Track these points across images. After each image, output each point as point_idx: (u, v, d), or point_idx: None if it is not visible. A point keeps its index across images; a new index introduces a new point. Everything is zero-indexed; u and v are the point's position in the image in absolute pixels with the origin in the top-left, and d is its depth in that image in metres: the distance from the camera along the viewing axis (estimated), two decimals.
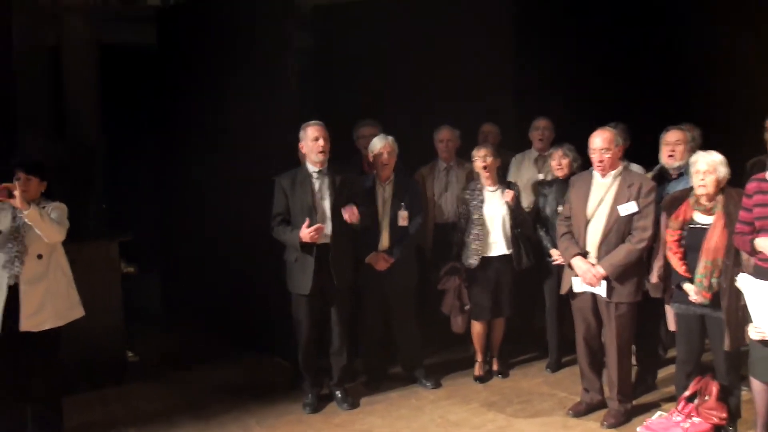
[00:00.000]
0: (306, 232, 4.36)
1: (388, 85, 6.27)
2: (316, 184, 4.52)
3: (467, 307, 4.90)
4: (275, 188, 4.57)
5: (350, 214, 4.46)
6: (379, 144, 4.81)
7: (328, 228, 4.48)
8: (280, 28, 5.33)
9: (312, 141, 4.47)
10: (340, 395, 4.74)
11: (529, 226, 5.02)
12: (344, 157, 5.06)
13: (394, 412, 4.63)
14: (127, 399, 4.93)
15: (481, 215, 4.88)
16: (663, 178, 4.59)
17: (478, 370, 5.13)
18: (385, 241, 4.83)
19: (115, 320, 5.18)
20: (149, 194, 7.23)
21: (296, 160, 4.82)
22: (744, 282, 3.21)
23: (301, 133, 4.52)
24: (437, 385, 4.98)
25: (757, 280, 3.16)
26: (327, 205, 4.51)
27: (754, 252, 3.69)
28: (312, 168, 4.53)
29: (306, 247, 4.44)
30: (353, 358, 4.97)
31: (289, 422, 4.53)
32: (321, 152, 4.48)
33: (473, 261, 4.87)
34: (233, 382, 5.20)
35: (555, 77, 6.43)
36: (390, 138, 4.84)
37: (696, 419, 4.12)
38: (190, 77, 6.16)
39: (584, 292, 4.34)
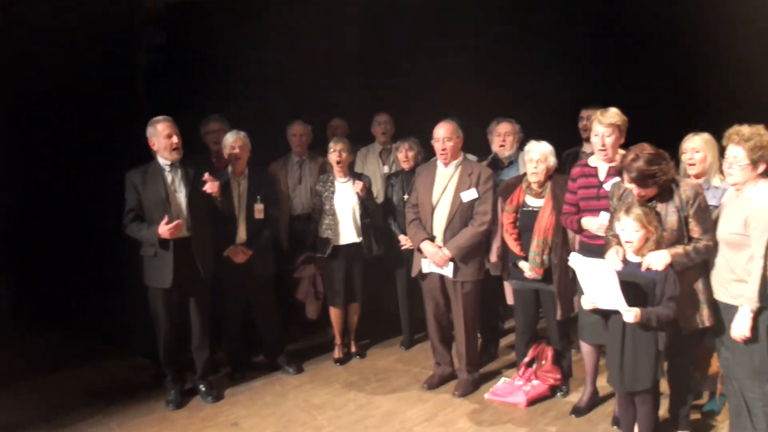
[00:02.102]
0: (165, 229, 4.02)
1: (238, 81, 5.93)
2: (169, 178, 4.18)
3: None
4: (126, 184, 4.18)
5: (211, 185, 4.18)
6: (231, 139, 4.54)
7: (186, 221, 4.16)
8: (128, 24, 4.88)
9: (164, 138, 4.13)
10: (204, 389, 4.44)
11: (379, 216, 4.96)
12: (193, 152, 4.72)
13: (259, 400, 4.41)
14: None
15: (333, 206, 4.76)
16: (496, 166, 4.69)
17: (337, 352, 5.02)
18: (242, 234, 4.58)
19: None
20: None
21: (149, 155, 4.42)
22: (575, 260, 3.31)
23: (150, 129, 4.15)
24: (299, 370, 4.81)
25: (586, 258, 3.26)
26: (182, 198, 4.19)
27: (580, 230, 3.84)
28: (164, 162, 4.18)
29: (164, 242, 4.10)
30: (216, 350, 4.69)
31: (152, 421, 4.17)
32: (175, 149, 4.15)
33: (326, 249, 4.74)
34: (93, 384, 4.71)
35: (399, 73, 6.42)
36: (242, 133, 4.59)
37: (535, 382, 4.27)
38: (42, 73, 5.50)
39: (432, 274, 4.33)
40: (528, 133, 4.50)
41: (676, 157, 3.78)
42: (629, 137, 3.68)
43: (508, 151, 4.70)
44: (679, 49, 5.31)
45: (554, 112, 5.43)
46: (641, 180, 3.23)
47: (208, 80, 5.88)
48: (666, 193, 3.32)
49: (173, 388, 4.38)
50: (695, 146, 3.73)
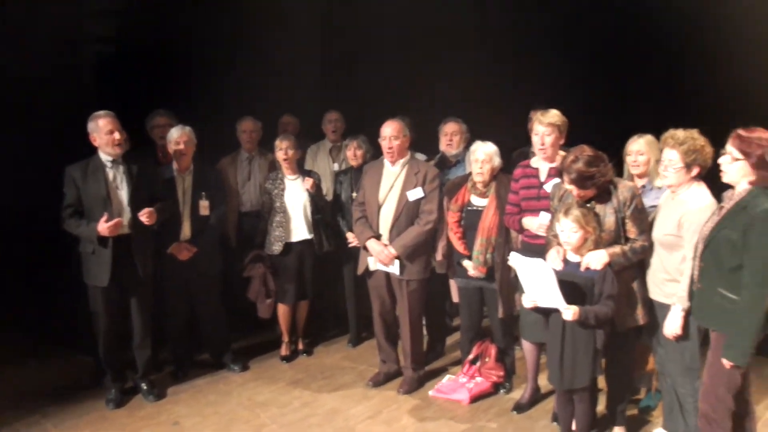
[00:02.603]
0: (104, 227, 3.87)
1: (189, 76, 5.77)
2: (111, 174, 4.03)
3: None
4: (65, 179, 4.01)
5: (148, 216, 4.02)
6: (176, 134, 4.41)
7: (127, 218, 4.02)
8: (75, 15, 4.69)
9: (106, 134, 3.97)
10: (145, 387, 4.31)
11: (328, 212, 4.89)
12: (138, 147, 4.58)
13: (202, 399, 4.30)
14: None
15: (283, 203, 4.67)
16: (443, 165, 4.67)
17: (284, 350, 4.93)
18: (186, 230, 4.45)
19: None
20: None
21: (91, 150, 4.25)
22: (515, 260, 3.29)
23: (91, 125, 3.99)
24: (245, 368, 4.71)
25: (525, 257, 3.25)
26: (124, 195, 4.05)
27: (521, 230, 3.84)
28: (105, 157, 4.02)
29: (103, 240, 3.94)
30: (159, 348, 4.55)
31: (90, 421, 4.02)
32: (117, 145, 4.00)
33: (277, 247, 4.65)
34: (31, 384, 4.52)
35: (352, 70, 6.35)
36: (188, 128, 4.46)
37: (479, 379, 4.26)
38: None
39: (378, 271, 4.29)
40: (481, 132, 4.46)
41: (619, 159, 3.81)
42: (592, 138, 3.64)
43: (455, 150, 4.69)
44: (644, 49, 5.31)
45: (507, 111, 5.43)
46: (580, 181, 3.23)
47: (159, 74, 5.71)
48: (604, 194, 3.33)
49: (113, 387, 4.24)
50: (639, 148, 3.77)
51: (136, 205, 4.04)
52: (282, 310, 4.84)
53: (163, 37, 5.84)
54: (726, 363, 2.81)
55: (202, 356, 4.83)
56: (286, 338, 4.93)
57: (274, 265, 4.72)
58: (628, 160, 3.85)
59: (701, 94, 4.82)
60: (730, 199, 2.88)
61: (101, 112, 4.02)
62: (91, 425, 3.97)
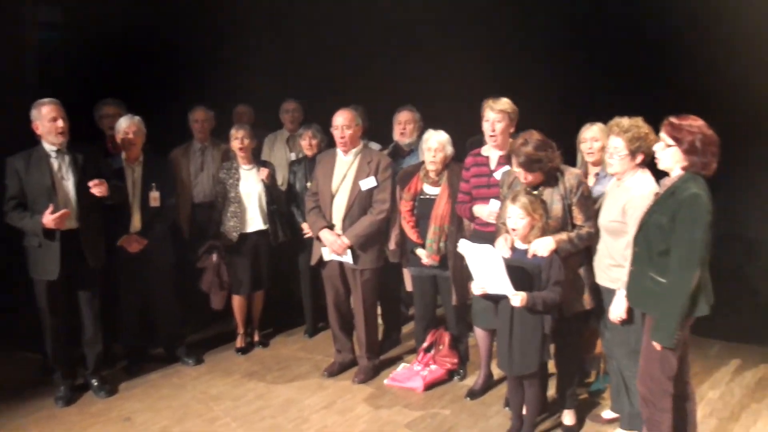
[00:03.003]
0: (50, 219, 3.80)
1: (139, 63, 5.67)
2: (55, 164, 3.96)
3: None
4: (6, 170, 3.92)
5: (99, 187, 3.93)
6: (125, 124, 4.35)
7: (74, 210, 3.96)
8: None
9: (49, 122, 3.89)
10: (96, 383, 4.26)
11: (283, 203, 4.89)
12: (86, 137, 4.49)
13: (155, 393, 4.27)
14: None
15: (238, 193, 4.66)
16: (397, 154, 4.70)
17: (239, 342, 4.93)
18: (136, 222, 4.40)
19: None
20: None
21: (34, 140, 4.16)
22: (464, 247, 3.35)
23: (34, 112, 3.91)
24: (199, 361, 4.69)
25: (474, 244, 3.31)
26: (70, 186, 3.97)
27: (472, 218, 3.90)
28: (50, 147, 3.95)
29: (49, 233, 3.88)
30: (111, 343, 4.51)
31: (39, 419, 3.96)
32: (60, 133, 3.92)
33: (232, 237, 4.64)
34: None
35: (309, 60, 6.32)
36: (137, 118, 4.40)
37: (433, 367, 4.32)
38: None
39: (332, 261, 4.31)
40: (436, 121, 4.49)
41: (568, 147, 3.88)
42: (543, 126, 3.67)
43: (409, 138, 4.73)
44: (598, 37, 5.39)
45: (462, 99, 5.47)
46: (528, 164, 3.31)
47: (107, 61, 5.61)
48: (552, 180, 3.41)
49: (63, 384, 4.18)
50: (593, 135, 3.85)
51: (83, 196, 3.98)
52: (237, 301, 4.83)
53: (110, 24, 5.73)
54: (655, 345, 2.91)
55: (156, 350, 4.79)
56: (241, 330, 4.93)
57: (229, 256, 4.70)
58: (583, 147, 3.93)
59: (654, 82, 4.94)
60: (665, 186, 2.98)
61: (45, 100, 3.94)
62: (39, 424, 3.91)
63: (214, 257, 4.69)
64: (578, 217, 3.39)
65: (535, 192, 3.40)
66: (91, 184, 3.91)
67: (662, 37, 5.05)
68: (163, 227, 4.49)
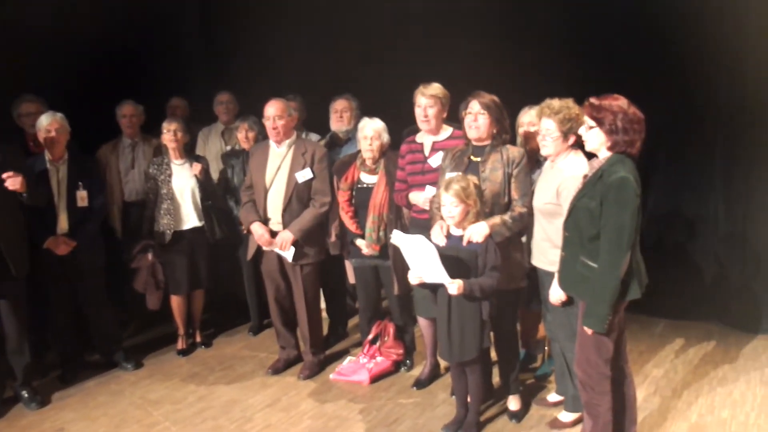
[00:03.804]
0: None
1: (60, 56, 5.47)
2: None
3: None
4: None
5: (13, 180, 3.78)
6: (46, 121, 4.23)
7: None
8: None
9: None
10: (27, 395, 4.14)
11: (220, 198, 4.83)
12: (3, 135, 4.36)
13: (91, 401, 4.19)
14: None
15: (170, 189, 4.59)
16: (334, 143, 4.69)
17: (180, 343, 4.87)
18: (63, 223, 4.29)
19: None
20: None
21: None
22: (396, 238, 3.37)
23: None
24: (138, 365, 4.62)
25: (407, 234, 3.34)
26: None
27: (409, 205, 3.92)
28: None
29: None
30: (44, 351, 4.40)
31: None
32: None
33: (166, 236, 4.58)
34: None
35: (243, 50, 6.23)
36: (59, 115, 4.28)
37: (379, 359, 4.34)
38: None
39: (271, 256, 4.29)
40: (372, 109, 4.48)
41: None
42: None
43: (345, 127, 4.72)
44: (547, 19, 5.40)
45: (399, 87, 5.47)
46: (488, 106, 3.48)
47: (24, 53, 5.40)
48: (498, 146, 3.53)
49: None
50: (531, 119, 3.90)
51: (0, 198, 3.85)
52: (175, 302, 4.78)
53: (28, 14, 5.53)
54: (587, 330, 2.96)
55: (92, 357, 4.70)
56: (181, 331, 4.87)
57: (164, 255, 4.64)
58: (521, 132, 3.98)
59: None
60: (593, 168, 3.03)
61: None
62: None
63: (149, 256, 4.63)
64: (515, 191, 3.48)
65: (478, 159, 3.50)
66: (4, 176, 3.78)
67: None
68: (92, 227, 4.39)
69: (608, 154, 2.93)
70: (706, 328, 4.91)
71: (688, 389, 4.03)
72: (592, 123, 2.93)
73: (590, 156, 3.15)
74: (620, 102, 2.93)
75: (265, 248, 4.29)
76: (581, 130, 3.02)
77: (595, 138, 2.94)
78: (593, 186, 2.93)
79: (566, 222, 3.07)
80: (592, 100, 2.95)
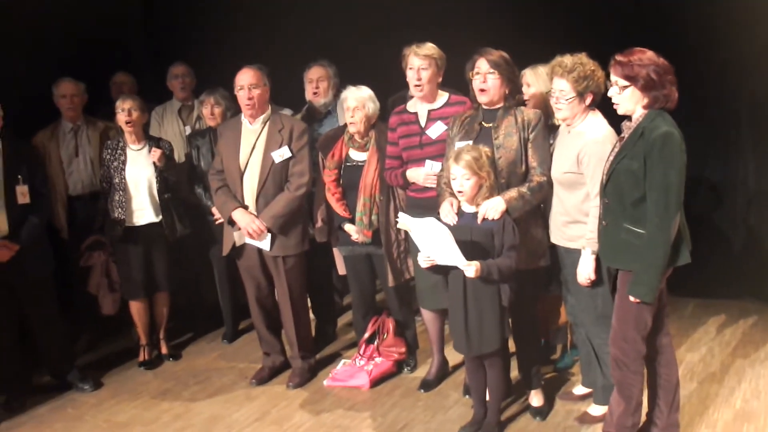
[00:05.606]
0: None
1: None
2: None
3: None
4: None
5: None
6: None
7: None
8: None
9: None
10: None
11: (184, 188, 4.79)
12: None
13: (45, 430, 4.11)
14: None
15: (123, 178, 4.53)
16: (312, 117, 4.68)
17: (143, 355, 4.82)
18: (2, 225, 4.18)
19: None
20: None
21: None
22: (404, 221, 3.39)
23: None
24: (98, 385, 4.55)
25: (415, 218, 3.35)
26: None
27: (406, 184, 3.92)
28: None
29: None
30: None
31: None
32: None
33: (117, 231, 4.53)
34: None
35: (197, 16, 6.17)
36: None
37: (378, 359, 4.37)
38: None
39: (249, 250, 4.27)
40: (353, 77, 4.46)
41: None
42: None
43: (323, 98, 4.71)
44: None
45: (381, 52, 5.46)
46: (498, 64, 3.49)
47: None
48: (511, 108, 3.56)
49: None
50: (526, 80, 3.94)
51: None
52: (134, 307, 4.74)
53: None
54: (632, 299, 3.04)
55: (42, 379, 4.63)
56: (144, 341, 4.83)
57: (117, 253, 4.61)
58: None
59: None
60: (629, 128, 3.08)
61: None
62: None
63: (101, 254, 4.60)
64: (533, 158, 3.51)
65: (490, 124, 3.53)
66: None
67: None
68: (37, 228, 4.30)
69: (643, 112, 2.99)
70: (740, 306, 5.04)
71: (728, 373, 4.14)
72: (625, 83, 2.98)
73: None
74: (648, 54, 2.99)
75: (238, 243, 4.26)
76: (611, 92, 3.07)
77: (630, 98, 3.00)
78: (634, 145, 2.98)
79: (605, 188, 3.13)
80: (619, 57, 3.00)
